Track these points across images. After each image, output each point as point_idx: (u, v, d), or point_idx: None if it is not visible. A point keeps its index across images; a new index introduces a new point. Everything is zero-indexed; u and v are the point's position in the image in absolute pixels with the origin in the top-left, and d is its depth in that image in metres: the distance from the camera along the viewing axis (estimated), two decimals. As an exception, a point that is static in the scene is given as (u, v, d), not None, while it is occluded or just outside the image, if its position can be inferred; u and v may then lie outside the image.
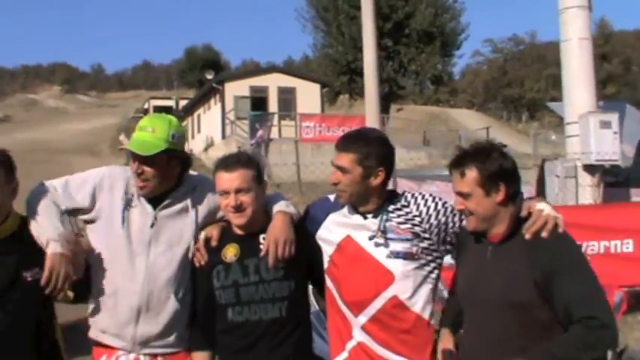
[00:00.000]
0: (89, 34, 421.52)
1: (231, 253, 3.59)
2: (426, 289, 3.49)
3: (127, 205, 3.66)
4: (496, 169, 3.13)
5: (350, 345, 3.52)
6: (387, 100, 42.50)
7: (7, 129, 59.75)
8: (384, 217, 3.49)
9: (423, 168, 27.00)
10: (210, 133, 42.92)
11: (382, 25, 39.23)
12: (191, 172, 3.87)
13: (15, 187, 3.54)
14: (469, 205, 3.19)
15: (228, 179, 3.50)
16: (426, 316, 3.49)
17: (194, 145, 43.63)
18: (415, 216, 3.50)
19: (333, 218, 3.61)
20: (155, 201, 3.66)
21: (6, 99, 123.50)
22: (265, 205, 3.67)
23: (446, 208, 3.51)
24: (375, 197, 3.50)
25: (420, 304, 3.46)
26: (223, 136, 39.46)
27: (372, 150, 3.43)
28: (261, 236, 3.57)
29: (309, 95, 41.75)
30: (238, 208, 3.51)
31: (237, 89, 41.37)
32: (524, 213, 3.18)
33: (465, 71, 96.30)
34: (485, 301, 3.18)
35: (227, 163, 3.56)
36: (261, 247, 3.54)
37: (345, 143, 3.47)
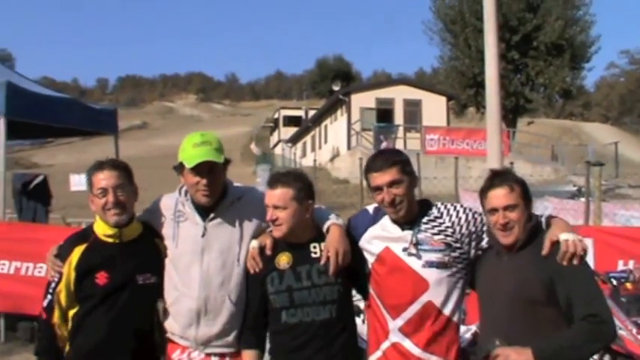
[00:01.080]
0: (224, 44, 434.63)
1: (284, 261, 3.87)
2: (457, 293, 3.81)
3: (177, 221, 4.04)
4: (525, 184, 3.63)
5: (385, 345, 3.82)
6: (514, 114, 41.78)
7: (145, 135, 62.76)
8: (417, 229, 3.78)
9: (549, 183, 26.32)
10: (336, 143, 43.44)
11: (509, 38, 38.60)
12: (236, 184, 4.21)
13: (135, 189, 4.05)
14: (513, 217, 3.56)
15: (269, 195, 3.84)
16: (455, 318, 3.81)
17: (320, 156, 44.24)
18: (448, 227, 3.77)
19: (372, 232, 3.91)
20: (204, 212, 4.00)
21: (145, 107, 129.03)
22: (315, 217, 3.96)
23: (475, 219, 3.80)
24: (416, 206, 3.83)
25: (450, 308, 3.78)
26: (349, 147, 39.78)
27: (405, 158, 3.84)
28: (312, 245, 3.89)
29: (435, 108, 41.46)
30: (274, 222, 3.82)
31: (363, 101, 41.67)
32: (549, 241, 3.51)
33: (600, 84, 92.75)
34: (500, 299, 3.58)
35: (271, 180, 3.90)
36: (312, 255, 3.86)
37: (383, 161, 3.79)
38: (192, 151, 3.88)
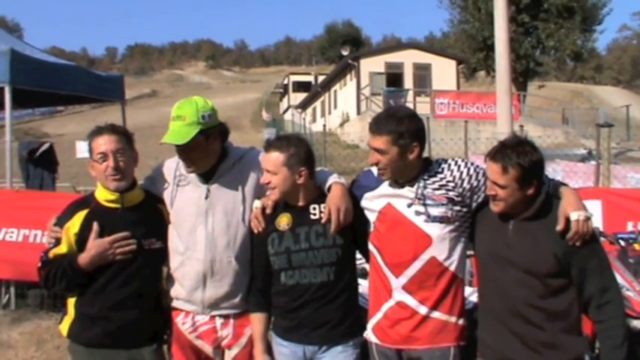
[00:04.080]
0: (233, 10, 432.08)
1: (284, 222, 3.89)
2: (460, 248, 3.78)
3: (177, 185, 4.05)
4: (531, 166, 3.47)
5: (386, 306, 3.80)
6: (524, 77, 41.46)
7: (154, 103, 62.77)
8: (421, 184, 3.73)
9: (559, 146, 26.19)
10: (345, 108, 43.28)
11: (520, 1, 38.18)
12: (239, 145, 4.21)
13: (136, 155, 4.02)
14: (501, 194, 3.51)
15: (263, 159, 3.88)
16: (460, 274, 3.79)
17: (330, 121, 44.11)
18: (449, 181, 3.72)
19: (374, 191, 3.87)
20: (206, 175, 4.00)
21: (154, 75, 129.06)
22: (317, 179, 3.95)
23: (477, 172, 3.73)
24: (414, 169, 3.75)
25: (455, 264, 3.75)
26: (358, 112, 39.76)
27: (404, 128, 3.64)
28: (312, 206, 3.89)
29: (444, 72, 41.28)
30: (268, 185, 3.85)
31: (372, 65, 41.50)
32: (561, 223, 3.47)
33: (612, 47, 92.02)
34: (510, 267, 3.57)
35: (267, 144, 3.90)
36: (312, 216, 3.87)
37: (378, 126, 3.69)
38: (169, 125, 3.87)
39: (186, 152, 3.89)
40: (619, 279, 5.12)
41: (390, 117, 3.73)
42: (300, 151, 3.84)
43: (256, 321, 3.98)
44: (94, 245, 3.81)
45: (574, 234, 3.42)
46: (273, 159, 3.81)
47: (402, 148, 3.67)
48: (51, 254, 3.88)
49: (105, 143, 3.86)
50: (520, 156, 3.46)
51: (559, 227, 3.46)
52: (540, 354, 3.55)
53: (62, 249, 3.86)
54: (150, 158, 4.13)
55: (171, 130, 3.85)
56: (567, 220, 3.45)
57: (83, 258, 3.80)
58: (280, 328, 3.95)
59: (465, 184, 3.73)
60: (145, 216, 4.00)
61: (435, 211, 3.70)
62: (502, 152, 3.51)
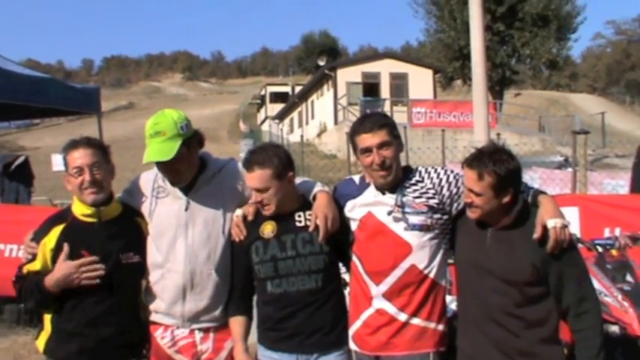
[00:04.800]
0: (209, 22, 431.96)
1: (268, 230, 3.84)
2: (440, 257, 3.78)
3: (156, 197, 3.99)
4: (507, 174, 3.45)
5: (366, 314, 3.79)
6: (500, 86, 41.80)
7: (131, 116, 62.58)
8: (401, 192, 3.72)
9: (536, 154, 26.42)
10: (322, 119, 43.36)
11: (495, 9, 38.56)
12: (217, 156, 4.17)
13: (112, 168, 3.96)
14: (477, 201, 3.50)
15: (248, 179, 3.79)
16: (440, 281, 3.79)
17: (307, 131, 44.22)
18: (429, 189, 3.72)
19: (356, 200, 3.85)
20: (185, 186, 3.94)
21: (131, 87, 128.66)
22: (301, 187, 3.94)
23: (457, 180, 3.73)
24: (399, 171, 3.76)
25: (434, 271, 3.75)
26: (336, 122, 39.82)
27: (392, 122, 3.77)
28: (296, 214, 3.85)
29: (421, 81, 41.53)
30: (261, 203, 3.78)
31: (349, 75, 41.65)
32: (538, 231, 3.46)
33: (586, 55, 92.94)
34: (488, 275, 3.56)
35: (246, 163, 3.80)
36: (297, 224, 3.83)
37: (372, 123, 3.69)
38: (148, 143, 3.79)
39: (172, 166, 3.82)
40: (597, 285, 5.14)
41: (374, 115, 3.82)
42: (282, 157, 3.80)
43: (236, 324, 3.92)
44: (60, 269, 3.73)
45: (553, 241, 3.42)
46: (261, 176, 3.74)
47: (398, 141, 3.73)
48: (25, 270, 3.83)
49: (80, 157, 3.80)
50: (496, 164, 3.44)
51: (536, 235, 3.45)
52: None
53: (36, 265, 3.80)
54: (127, 170, 4.09)
55: (153, 149, 3.77)
56: (544, 228, 3.45)
57: (49, 280, 3.73)
58: (269, 340, 3.89)
59: (445, 191, 3.73)
60: (123, 230, 3.93)
61: (415, 219, 3.70)
62: (478, 159, 3.49)
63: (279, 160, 3.77)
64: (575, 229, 7.51)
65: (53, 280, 3.72)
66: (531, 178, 12.68)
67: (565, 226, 3.46)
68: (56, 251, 3.79)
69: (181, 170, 3.87)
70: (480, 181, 3.45)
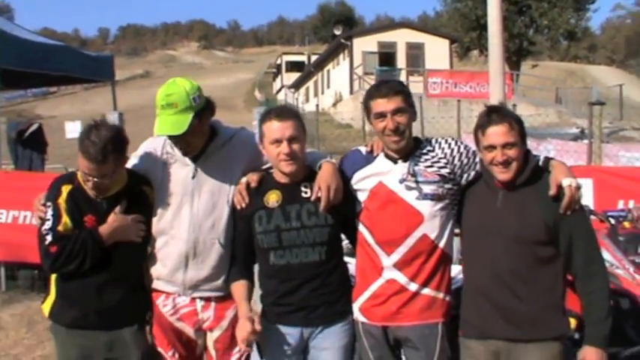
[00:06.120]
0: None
1: (273, 199, 3.76)
2: (449, 227, 3.77)
3: (166, 162, 3.93)
4: (522, 122, 3.59)
5: (376, 285, 3.76)
6: (517, 57, 41.41)
7: (147, 84, 62.49)
8: (413, 161, 3.71)
9: (552, 126, 26.22)
10: (338, 88, 43.15)
11: (513, -21, 38.13)
12: (228, 125, 4.09)
13: (125, 161, 3.79)
14: (513, 155, 3.49)
15: (281, 128, 3.64)
16: (449, 250, 3.79)
17: (323, 101, 44.08)
18: (441, 158, 3.72)
19: (364, 171, 3.81)
20: (195, 154, 3.89)
21: (147, 56, 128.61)
22: (307, 158, 3.83)
23: (467, 150, 3.75)
24: (411, 140, 3.74)
25: (444, 241, 3.74)
26: (351, 92, 39.61)
27: (407, 90, 3.76)
28: (303, 184, 3.77)
29: (437, 51, 41.16)
30: (290, 156, 3.65)
31: (365, 45, 41.44)
32: (553, 189, 3.49)
33: (605, 26, 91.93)
34: (499, 237, 3.55)
35: (279, 112, 3.71)
36: (303, 195, 3.75)
37: (388, 88, 3.67)
38: (159, 114, 3.72)
39: (184, 139, 3.77)
40: (609, 257, 5.13)
41: (390, 81, 3.81)
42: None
43: (239, 286, 3.85)
44: (117, 219, 3.75)
45: (568, 199, 3.44)
46: (294, 124, 3.68)
47: (412, 109, 3.74)
48: (60, 228, 3.73)
49: (90, 170, 3.67)
50: (511, 114, 3.62)
51: (552, 192, 3.47)
52: (523, 330, 3.53)
53: (67, 224, 3.74)
54: (142, 139, 4.03)
55: (165, 120, 3.70)
56: (559, 188, 3.47)
57: (105, 229, 3.72)
58: (274, 315, 3.83)
59: (456, 161, 3.73)
60: (129, 201, 3.86)
61: (427, 189, 3.68)
62: (498, 113, 3.54)
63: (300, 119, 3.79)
64: (588, 200, 7.48)
65: (111, 228, 3.73)
66: (546, 149, 12.64)
67: (579, 187, 3.49)
68: (69, 209, 3.74)
69: (192, 142, 3.83)
70: (512, 130, 3.49)
